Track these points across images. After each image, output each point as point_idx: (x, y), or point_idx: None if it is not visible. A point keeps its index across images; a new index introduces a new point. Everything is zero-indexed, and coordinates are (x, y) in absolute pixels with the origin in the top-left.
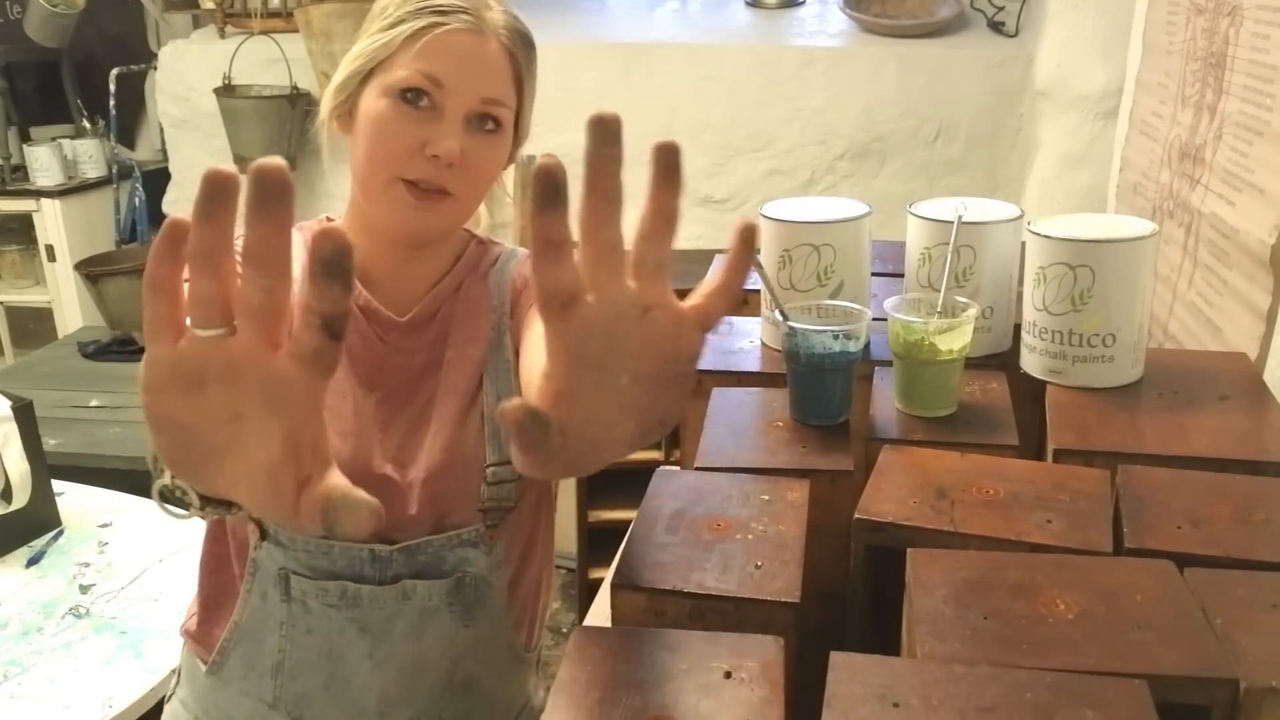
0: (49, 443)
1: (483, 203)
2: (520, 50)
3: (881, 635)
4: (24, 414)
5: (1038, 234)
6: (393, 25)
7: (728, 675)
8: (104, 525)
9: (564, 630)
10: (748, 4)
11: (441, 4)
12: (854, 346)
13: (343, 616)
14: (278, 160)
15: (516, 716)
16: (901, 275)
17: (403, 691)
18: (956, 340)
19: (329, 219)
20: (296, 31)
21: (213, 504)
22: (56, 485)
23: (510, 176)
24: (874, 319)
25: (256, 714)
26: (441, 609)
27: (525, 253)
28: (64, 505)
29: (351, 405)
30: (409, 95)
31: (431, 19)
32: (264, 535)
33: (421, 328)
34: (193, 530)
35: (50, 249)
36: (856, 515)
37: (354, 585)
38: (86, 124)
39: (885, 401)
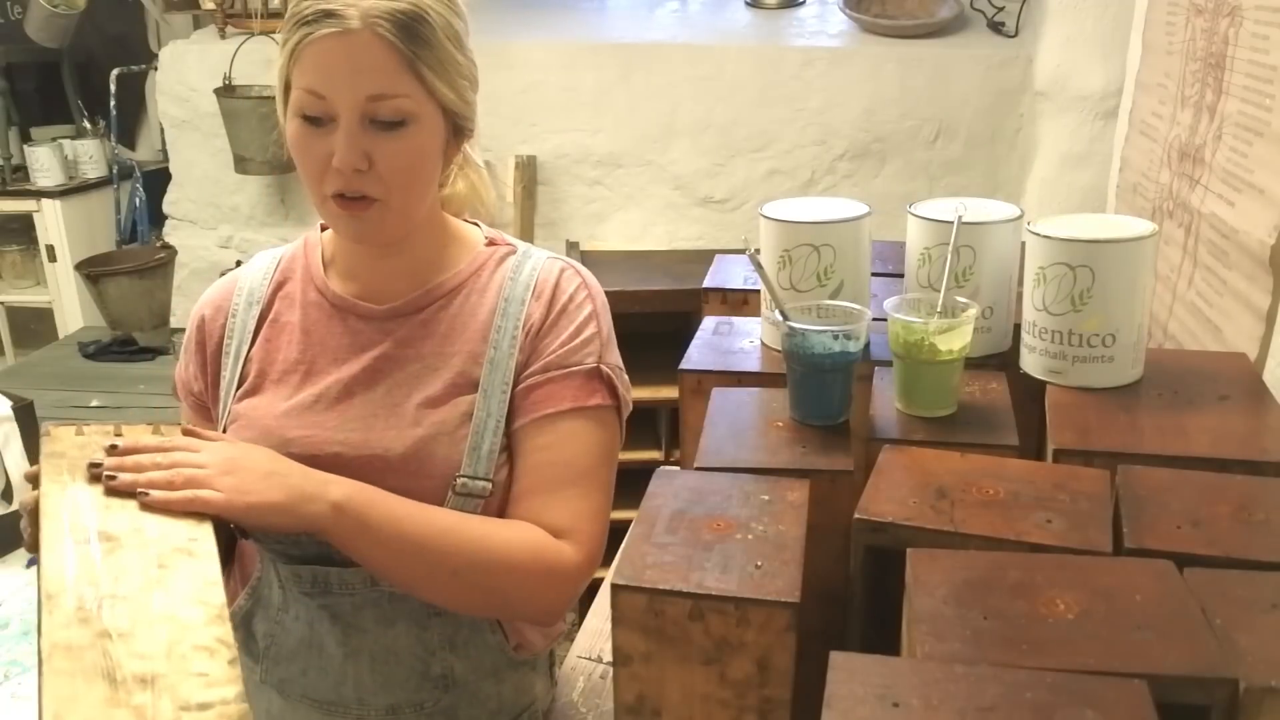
0: None
1: (485, 184)
2: (402, 35)
3: (881, 635)
4: (24, 414)
5: (1037, 234)
6: (283, 45)
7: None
8: None
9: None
10: (748, 4)
11: (306, 12)
12: (854, 346)
13: (315, 604)
14: None
15: (516, 718)
16: (901, 275)
17: (378, 680)
18: (956, 340)
19: (323, 227)
20: None
21: None
22: None
23: (512, 173)
24: (874, 319)
25: (249, 683)
26: (410, 595)
27: (543, 257)
28: None
29: (310, 386)
30: (306, 114)
31: (301, 31)
32: (244, 534)
33: (397, 320)
34: None
35: (51, 249)
36: (856, 515)
37: (322, 569)
38: (87, 124)
39: (885, 401)
